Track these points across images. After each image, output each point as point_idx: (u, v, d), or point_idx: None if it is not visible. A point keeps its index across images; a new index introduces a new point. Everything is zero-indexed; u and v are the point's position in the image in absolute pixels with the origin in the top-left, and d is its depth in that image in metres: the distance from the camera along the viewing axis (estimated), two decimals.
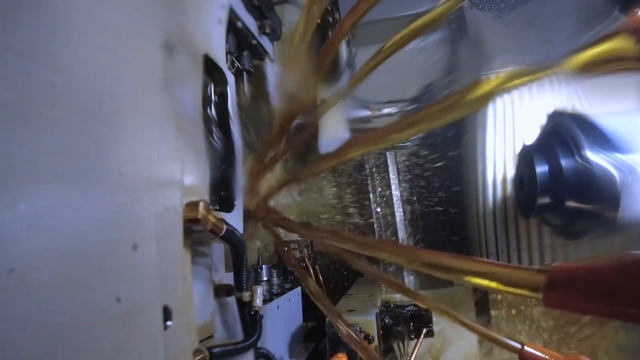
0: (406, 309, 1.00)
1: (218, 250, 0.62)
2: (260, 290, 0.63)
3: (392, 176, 1.47)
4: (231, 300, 0.63)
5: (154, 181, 0.41)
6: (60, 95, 0.31)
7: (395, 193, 1.47)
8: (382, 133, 0.48)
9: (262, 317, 0.64)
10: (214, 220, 0.51)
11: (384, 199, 1.48)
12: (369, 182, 1.49)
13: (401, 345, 0.99)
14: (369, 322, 0.88)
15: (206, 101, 0.59)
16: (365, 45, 1.05)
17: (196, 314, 0.52)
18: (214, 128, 0.61)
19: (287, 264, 0.92)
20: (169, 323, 0.42)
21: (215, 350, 0.51)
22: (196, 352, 0.48)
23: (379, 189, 1.49)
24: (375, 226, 1.48)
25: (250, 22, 0.75)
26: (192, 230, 0.49)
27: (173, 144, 0.45)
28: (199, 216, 0.48)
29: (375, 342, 0.87)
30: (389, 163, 1.47)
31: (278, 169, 0.68)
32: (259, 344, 0.66)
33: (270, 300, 0.87)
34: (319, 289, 0.62)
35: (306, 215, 1.40)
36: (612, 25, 0.38)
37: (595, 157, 0.93)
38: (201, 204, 0.48)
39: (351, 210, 1.50)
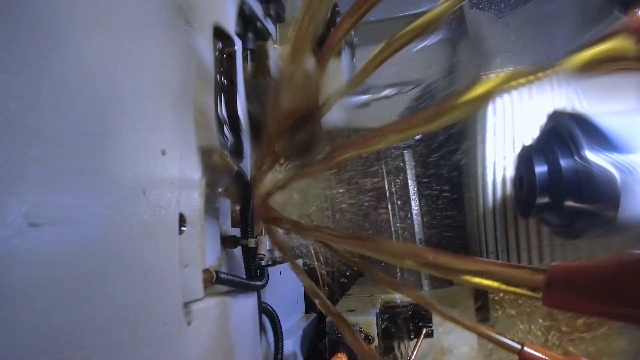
0: (406, 308, 1.00)
1: (225, 206, 0.63)
2: (266, 240, 0.62)
3: (410, 178, 1.47)
4: (237, 253, 0.63)
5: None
6: (70, 86, 0.30)
7: (413, 190, 1.46)
8: (382, 133, 0.48)
9: (267, 265, 0.64)
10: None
11: (402, 198, 1.48)
12: (385, 180, 1.48)
13: (401, 345, 0.99)
14: (369, 322, 0.88)
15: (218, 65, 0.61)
16: (365, 45, 1.05)
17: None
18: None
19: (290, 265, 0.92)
20: (183, 228, 0.46)
21: (222, 275, 0.53)
22: (204, 270, 0.50)
23: (397, 191, 1.48)
24: (392, 228, 1.48)
25: (256, 5, 0.76)
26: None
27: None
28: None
29: (375, 342, 0.87)
30: (407, 160, 1.46)
31: (278, 168, 0.68)
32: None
33: (274, 264, 0.85)
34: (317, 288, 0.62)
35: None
36: (612, 25, 0.38)
37: (595, 157, 0.93)
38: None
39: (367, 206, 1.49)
